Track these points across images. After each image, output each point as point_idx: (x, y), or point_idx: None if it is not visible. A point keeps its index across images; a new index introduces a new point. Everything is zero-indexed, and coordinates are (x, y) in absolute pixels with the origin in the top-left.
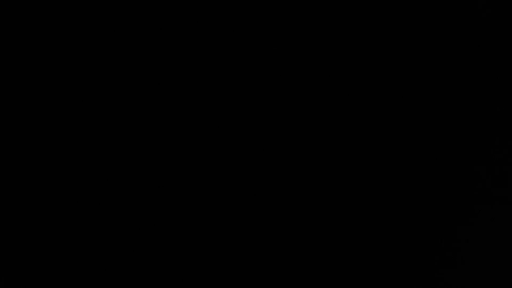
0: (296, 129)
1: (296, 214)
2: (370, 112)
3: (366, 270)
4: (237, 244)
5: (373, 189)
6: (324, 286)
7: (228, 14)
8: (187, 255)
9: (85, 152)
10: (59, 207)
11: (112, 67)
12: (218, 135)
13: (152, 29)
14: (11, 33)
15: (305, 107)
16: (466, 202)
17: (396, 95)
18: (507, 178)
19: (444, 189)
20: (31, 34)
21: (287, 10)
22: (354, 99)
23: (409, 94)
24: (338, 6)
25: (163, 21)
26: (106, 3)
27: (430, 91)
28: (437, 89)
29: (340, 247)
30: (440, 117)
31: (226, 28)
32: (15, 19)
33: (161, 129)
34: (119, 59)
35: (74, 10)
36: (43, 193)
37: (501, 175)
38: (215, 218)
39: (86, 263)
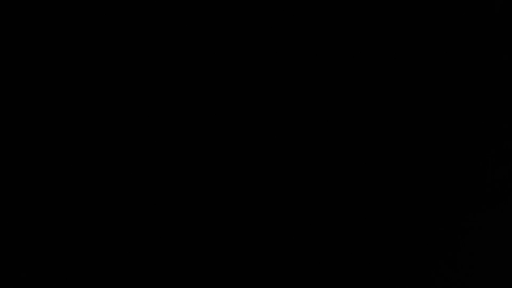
0: (296, 129)
1: (296, 214)
2: (373, 111)
3: (366, 270)
4: (237, 244)
5: (374, 189)
6: (324, 286)
7: (228, 14)
8: (187, 255)
9: (84, 152)
10: (59, 207)
11: (112, 67)
12: (218, 135)
13: (152, 29)
14: (11, 33)
15: (305, 107)
16: (466, 202)
17: (398, 95)
18: (507, 178)
19: (444, 189)
20: (31, 34)
21: (287, 10)
22: (358, 99)
23: (411, 93)
24: (338, 6)
25: (163, 21)
26: (106, 3)
27: (431, 91)
28: (439, 89)
29: (341, 247)
30: (441, 117)
31: (226, 28)
32: (15, 19)
33: (161, 129)
34: (119, 59)
35: (74, 10)
36: (43, 193)
37: (501, 175)
38: (215, 218)
39: (86, 263)
